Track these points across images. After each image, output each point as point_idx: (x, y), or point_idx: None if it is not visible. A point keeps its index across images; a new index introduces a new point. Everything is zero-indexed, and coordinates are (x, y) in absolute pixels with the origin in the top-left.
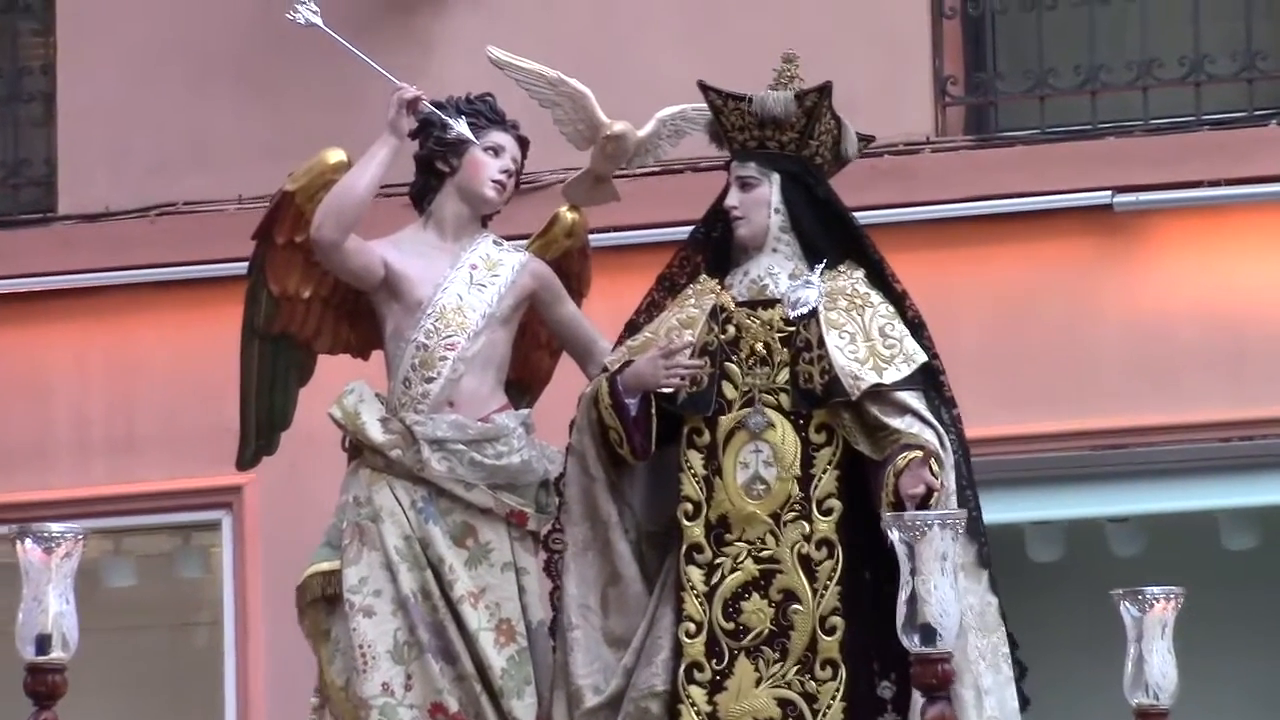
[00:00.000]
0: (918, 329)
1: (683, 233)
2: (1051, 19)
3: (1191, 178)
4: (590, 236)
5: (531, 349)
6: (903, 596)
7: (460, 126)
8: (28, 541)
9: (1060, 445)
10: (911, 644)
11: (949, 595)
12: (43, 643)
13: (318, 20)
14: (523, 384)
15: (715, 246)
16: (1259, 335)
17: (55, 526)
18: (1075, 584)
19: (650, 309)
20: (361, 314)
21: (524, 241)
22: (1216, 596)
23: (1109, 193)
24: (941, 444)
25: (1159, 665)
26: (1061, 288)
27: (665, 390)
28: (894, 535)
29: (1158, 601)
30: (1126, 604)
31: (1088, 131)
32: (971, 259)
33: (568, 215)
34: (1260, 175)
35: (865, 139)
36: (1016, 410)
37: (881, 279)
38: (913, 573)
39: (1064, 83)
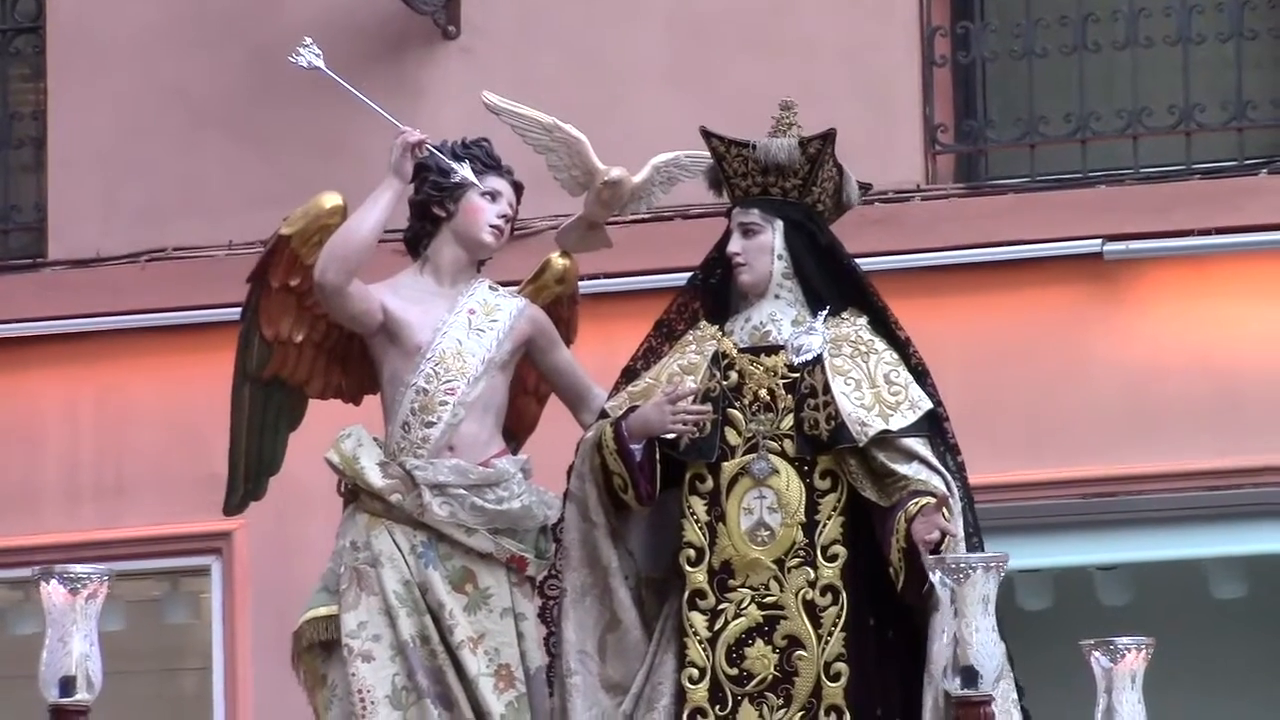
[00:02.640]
0: (922, 376)
1: (674, 279)
2: (1042, 67)
3: (1181, 226)
4: (580, 283)
5: (518, 395)
6: (944, 639)
7: (464, 170)
8: (52, 582)
9: (1049, 493)
10: (953, 687)
11: (990, 638)
12: (67, 684)
13: (320, 63)
14: (509, 430)
15: (714, 293)
16: (1248, 384)
17: (80, 568)
18: (1064, 632)
19: (648, 355)
20: (354, 358)
21: (515, 287)
22: (1205, 645)
23: (1099, 241)
24: (949, 490)
25: (1129, 716)
26: (1051, 336)
27: (668, 436)
28: (936, 578)
29: (1128, 652)
30: (1097, 654)
31: (1078, 180)
32: (961, 307)
33: (559, 261)
34: (1250, 224)
35: (864, 187)
36: (1005, 458)
37: (885, 326)
38: (955, 615)
39: (1054, 131)
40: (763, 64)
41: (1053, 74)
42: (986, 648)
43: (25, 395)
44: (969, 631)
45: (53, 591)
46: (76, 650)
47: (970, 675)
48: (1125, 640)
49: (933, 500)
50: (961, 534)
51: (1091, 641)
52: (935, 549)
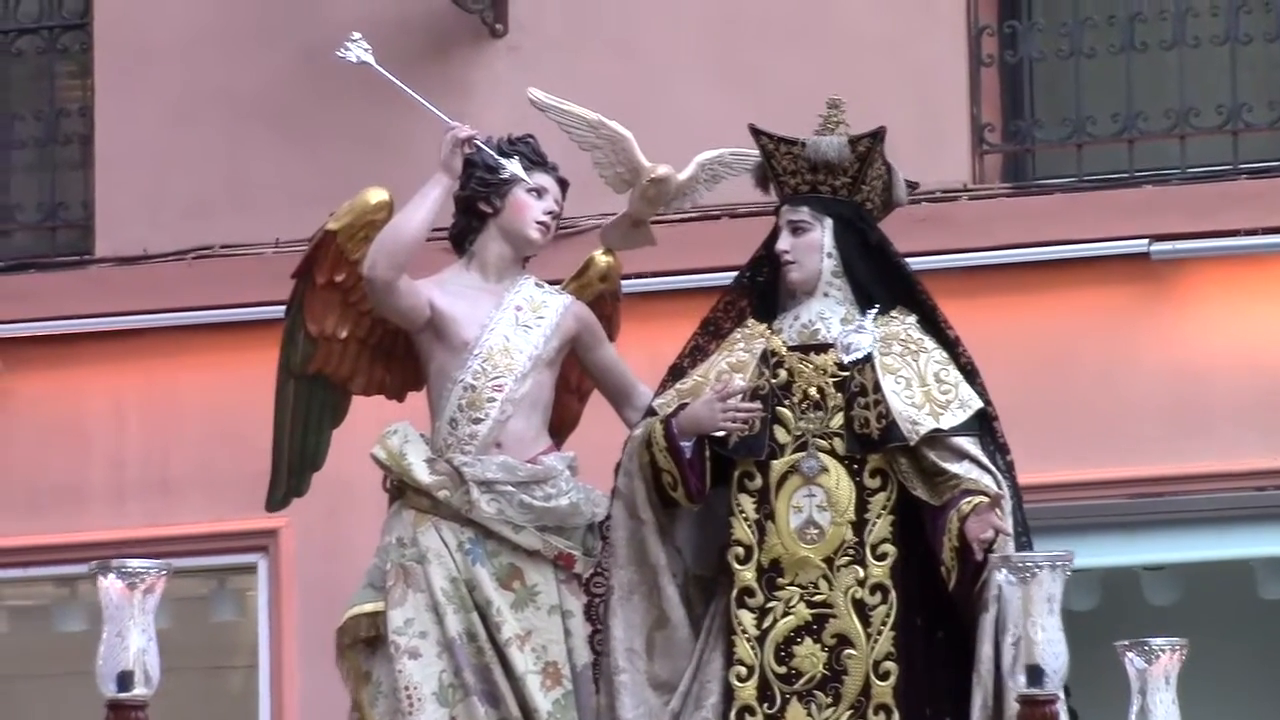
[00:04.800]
0: (971, 375)
1: (721, 278)
2: (1089, 67)
3: (1228, 226)
4: (624, 282)
5: (560, 392)
6: (1009, 639)
7: (514, 166)
8: (110, 576)
9: (1096, 493)
10: (1018, 685)
11: (1057, 637)
12: (124, 679)
13: (369, 58)
14: (551, 427)
15: (761, 291)
16: None
17: (137, 562)
18: (1110, 633)
19: (694, 353)
20: (397, 355)
21: (558, 285)
22: (1252, 645)
23: (1146, 241)
24: (1000, 489)
25: (1163, 717)
26: (1098, 336)
27: (718, 434)
28: (1002, 577)
29: (1163, 653)
30: (1131, 655)
31: (1125, 180)
32: (1008, 307)
33: (602, 259)
34: None
35: (911, 185)
36: (1052, 458)
37: (934, 325)
38: (1022, 614)
39: (1101, 131)
40: (809, 62)
41: (1100, 74)
42: (1052, 646)
43: (72, 392)
44: (1034, 630)
45: (110, 586)
46: (134, 645)
47: (1036, 674)
48: (1159, 641)
49: (986, 499)
50: (1011, 533)
51: (1126, 642)
52: (989, 548)
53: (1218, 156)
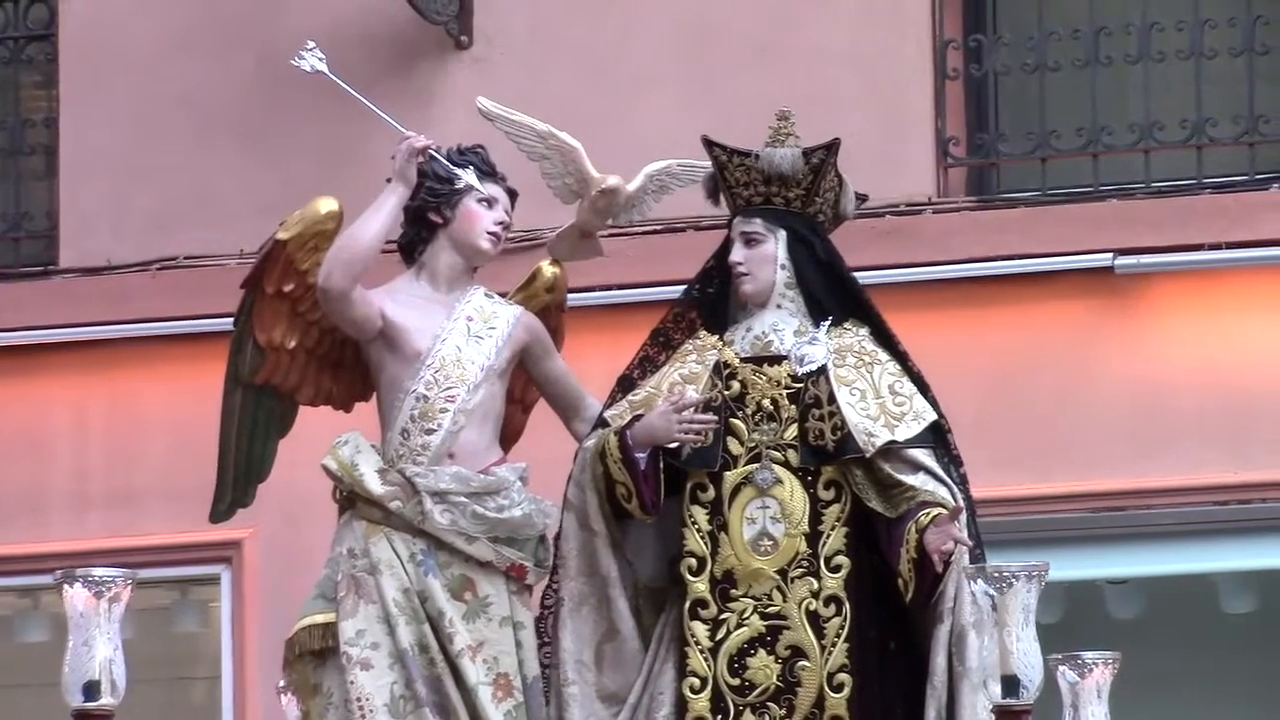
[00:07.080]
0: (923, 388)
1: (669, 291)
2: (1054, 81)
3: (1192, 241)
4: (584, 295)
5: (504, 403)
6: (983, 648)
7: (469, 176)
8: (75, 586)
9: (1059, 507)
10: (994, 695)
11: (1032, 648)
12: (90, 689)
13: (323, 67)
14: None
15: (711, 303)
16: (1258, 399)
17: (103, 570)
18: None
19: (644, 364)
20: (346, 365)
21: (504, 296)
22: (1215, 659)
23: (1110, 255)
24: (955, 502)
25: None
26: (1062, 349)
27: (672, 445)
28: (977, 587)
29: (1095, 667)
30: (1064, 669)
31: (1089, 194)
32: (972, 320)
33: (549, 270)
34: (1261, 239)
35: (860, 197)
36: (1015, 472)
37: (885, 338)
38: (997, 625)
39: (1066, 145)
40: (774, 74)
41: (1065, 87)
42: (1028, 657)
43: (35, 403)
44: (1010, 640)
45: (75, 595)
46: (100, 654)
47: (1011, 684)
48: (1091, 655)
49: (944, 511)
50: (969, 544)
51: (1059, 656)
52: (946, 560)
53: (1182, 171)
